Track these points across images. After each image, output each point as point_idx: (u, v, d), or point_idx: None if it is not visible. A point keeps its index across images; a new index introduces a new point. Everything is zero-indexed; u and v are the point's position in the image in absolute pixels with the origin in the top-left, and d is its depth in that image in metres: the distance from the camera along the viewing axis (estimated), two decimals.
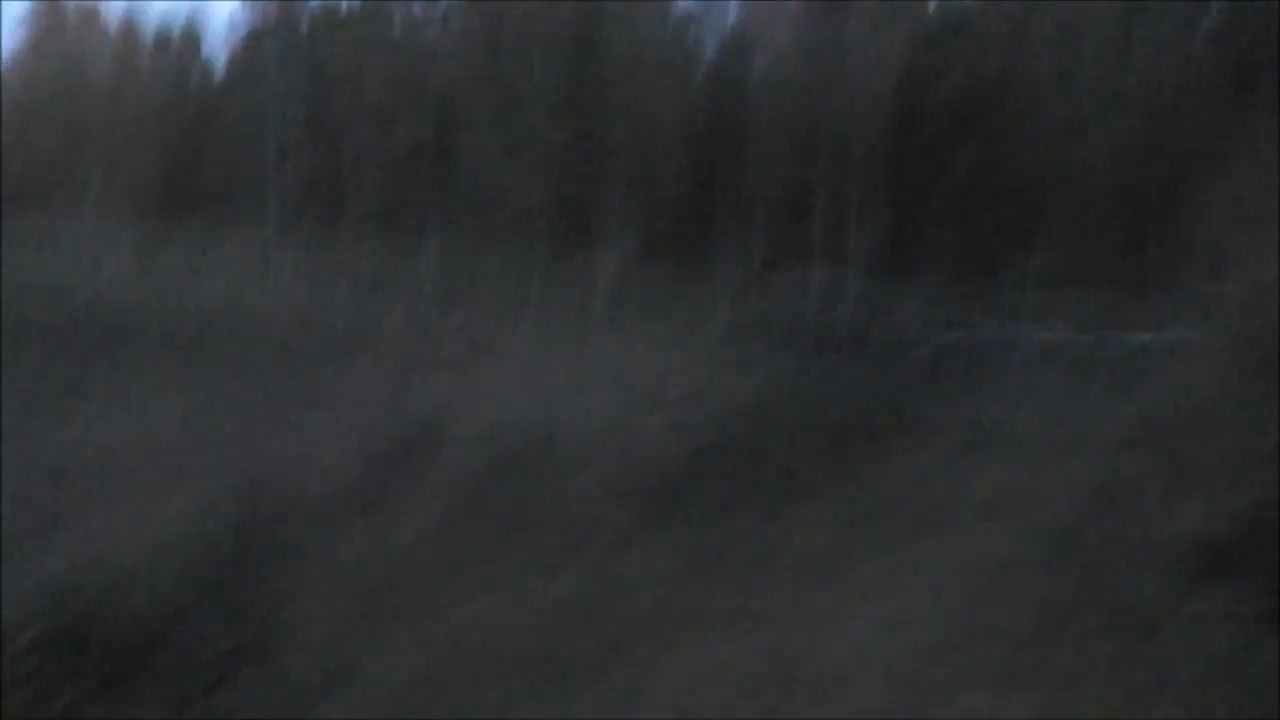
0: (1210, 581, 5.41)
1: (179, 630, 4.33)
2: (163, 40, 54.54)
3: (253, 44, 45.17)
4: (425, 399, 8.94)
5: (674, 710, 4.81)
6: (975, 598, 5.11)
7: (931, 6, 40.57)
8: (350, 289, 35.19)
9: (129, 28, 52.50)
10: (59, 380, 9.30)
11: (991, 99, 38.71)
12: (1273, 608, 5.46)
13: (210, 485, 5.76)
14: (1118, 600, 5.24)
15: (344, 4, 46.32)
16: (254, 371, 10.52)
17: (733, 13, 45.18)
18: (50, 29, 49.08)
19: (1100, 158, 32.50)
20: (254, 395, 9.26)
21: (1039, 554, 5.29)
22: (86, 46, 50.04)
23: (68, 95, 48.16)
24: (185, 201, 52.50)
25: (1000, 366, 11.71)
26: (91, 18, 50.20)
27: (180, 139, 50.92)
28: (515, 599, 4.67)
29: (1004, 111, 38.31)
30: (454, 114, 40.70)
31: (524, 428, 7.21)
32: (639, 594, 4.83)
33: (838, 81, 40.59)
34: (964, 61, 39.59)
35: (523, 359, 10.57)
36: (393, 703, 4.06)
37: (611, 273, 39.41)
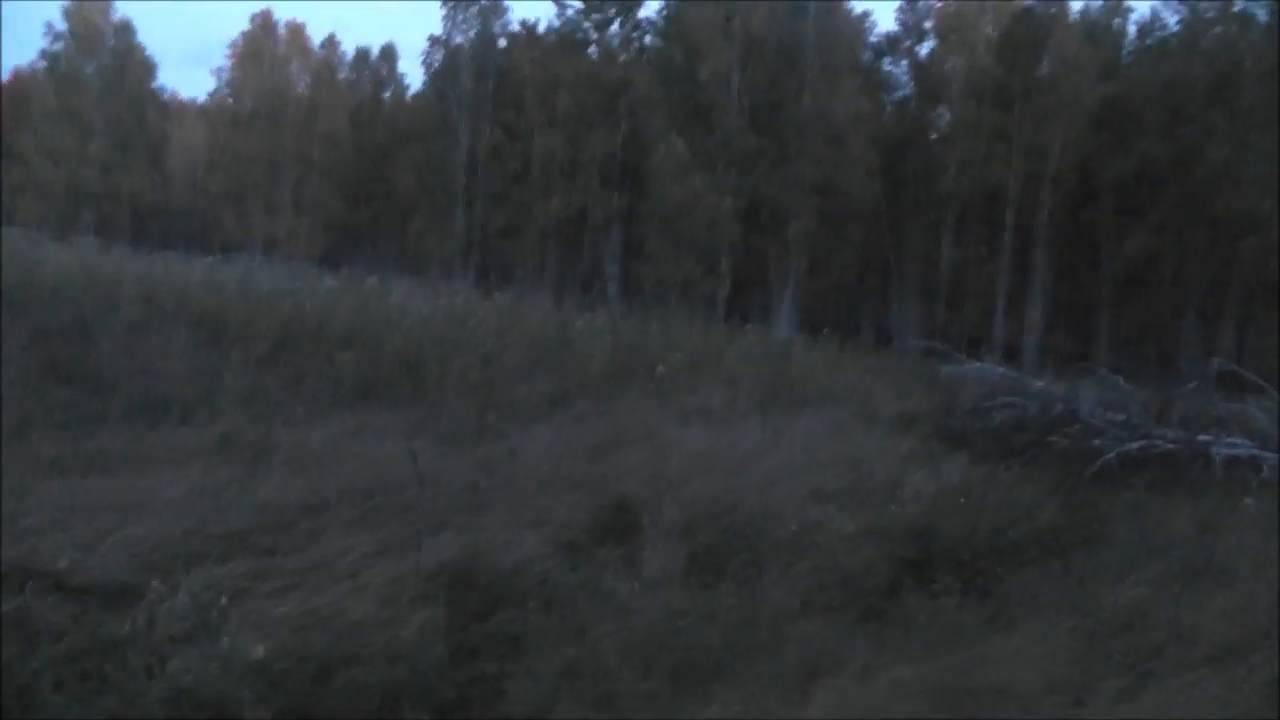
0: None
1: None
2: (361, 54, 57.10)
3: (450, 59, 46.42)
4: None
5: None
6: None
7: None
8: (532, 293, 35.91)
9: (331, 42, 55.35)
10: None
11: (1175, 186, 36.71)
12: None
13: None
14: None
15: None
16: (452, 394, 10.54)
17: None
18: (260, 41, 51.64)
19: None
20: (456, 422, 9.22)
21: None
22: (292, 58, 52.66)
23: (273, 102, 50.73)
24: (374, 204, 54.82)
25: (1190, 482, 10.79)
26: (298, 32, 52.81)
27: (372, 145, 53.23)
28: None
29: (1191, 204, 36.27)
30: (643, 130, 41.25)
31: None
32: None
33: (1015, 157, 39.42)
34: (1145, 145, 37.75)
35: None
36: None
37: (769, 330, 39.12)
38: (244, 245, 44.59)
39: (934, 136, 43.43)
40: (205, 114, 55.45)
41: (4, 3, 61.76)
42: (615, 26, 46.55)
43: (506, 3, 47.45)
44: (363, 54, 56.97)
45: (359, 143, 53.15)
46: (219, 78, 53.43)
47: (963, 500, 8.51)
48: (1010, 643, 5.43)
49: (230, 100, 52.86)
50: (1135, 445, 11.55)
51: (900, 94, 45.51)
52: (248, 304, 12.72)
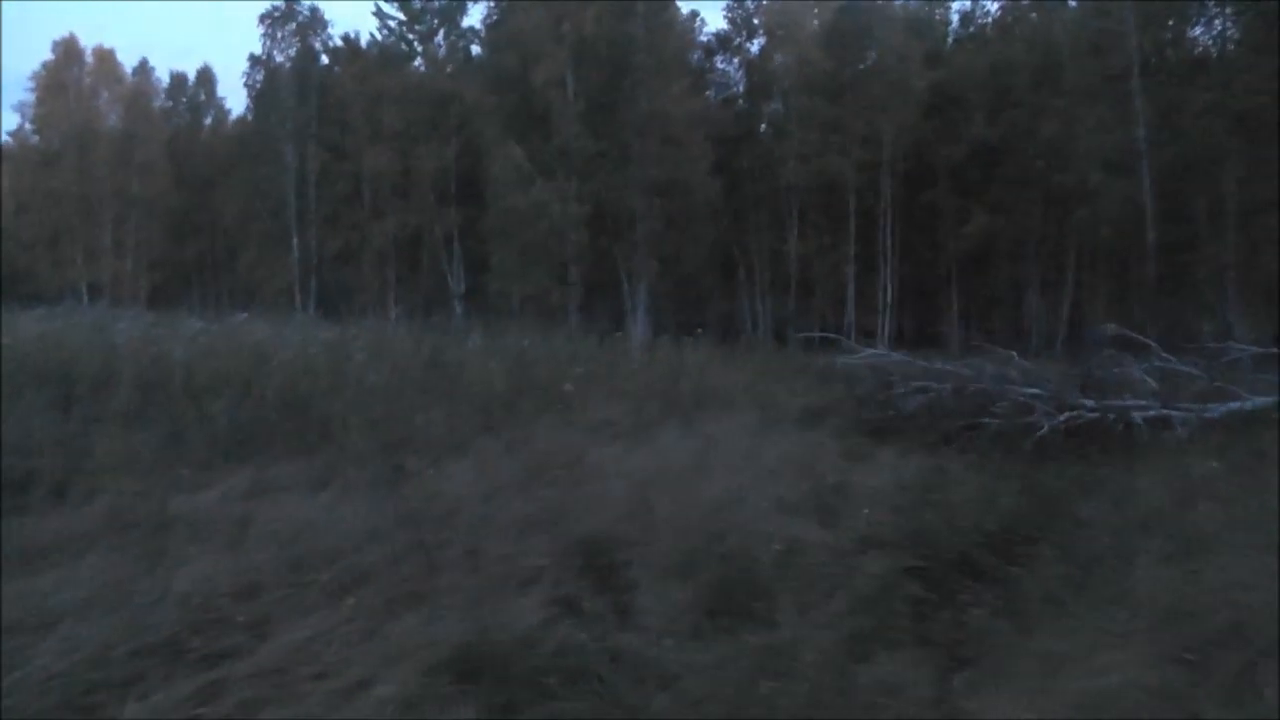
0: None
1: None
2: (177, 79, 54.10)
3: (271, 79, 44.27)
4: None
5: None
6: None
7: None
8: (377, 317, 34.36)
9: (144, 69, 52.07)
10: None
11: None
12: None
13: None
14: None
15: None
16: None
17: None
18: (65, 70, 48.28)
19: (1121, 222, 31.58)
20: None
21: None
22: (102, 88, 49.37)
23: (84, 136, 47.45)
24: (200, 238, 51.97)
25: (1126, 447, 10.70)
26: (107, 59, 49.45)
27: (193, 175, 50.38)
28: None
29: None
30: (476, 141, 40.01)
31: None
32: None
33: (851, 146, 39.93)
34: (974, 128, 38.73)
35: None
36: None
37: (633, 304, 38.55)
38: (63, 293, 41.52)
39: (770, 130, 43.64)
40: (9, 154, 51.62)
41: (4, 3, 56.91)
42: (440, 37, 45.26)
43: (327, 17, 45.57)
44: (179, 79, 53.96)
45: (180, 174, 50.19)
46: (22, 113, 49.89)
47: (934, 497, 8.03)
48: (1085, 658, 4.83)
49: (36, 137, 49.32)
50: (1063, 418, 11.36)
51: (733, 91, 45.62)
52: (100, 356, 11.30)
